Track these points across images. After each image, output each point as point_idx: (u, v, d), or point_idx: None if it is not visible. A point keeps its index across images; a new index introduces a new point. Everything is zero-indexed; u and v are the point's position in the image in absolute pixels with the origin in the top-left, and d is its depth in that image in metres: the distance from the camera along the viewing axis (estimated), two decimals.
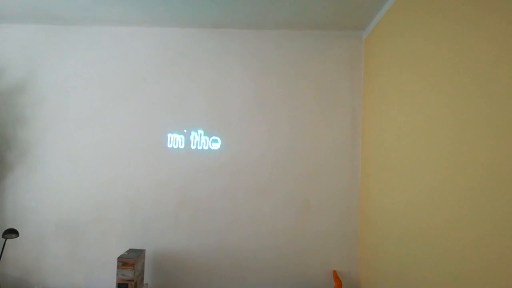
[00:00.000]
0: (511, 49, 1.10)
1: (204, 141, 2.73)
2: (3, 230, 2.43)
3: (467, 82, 1.32)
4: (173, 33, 2.77)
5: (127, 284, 2.31)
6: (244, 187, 2.72)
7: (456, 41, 1.42)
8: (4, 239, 2.41)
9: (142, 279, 2.53)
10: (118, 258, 2.34)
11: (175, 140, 2.74)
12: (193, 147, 2.73)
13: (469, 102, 1.31)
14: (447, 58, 1.48)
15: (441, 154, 1.51)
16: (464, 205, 1.31)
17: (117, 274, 2.32)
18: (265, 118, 2.74)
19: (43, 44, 2.79)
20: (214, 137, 2.74)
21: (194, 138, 2.74)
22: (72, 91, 2.77)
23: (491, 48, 1.20)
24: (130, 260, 2.33)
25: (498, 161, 1.14)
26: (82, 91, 2.77)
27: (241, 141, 2.73)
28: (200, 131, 2.74)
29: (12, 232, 2.40)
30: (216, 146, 2.73)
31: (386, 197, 2.16)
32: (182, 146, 2.74)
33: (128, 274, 2.32)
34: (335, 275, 2.58)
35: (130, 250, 2.52)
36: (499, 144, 1.14)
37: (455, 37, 1.43)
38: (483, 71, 1.23)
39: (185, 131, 2.74)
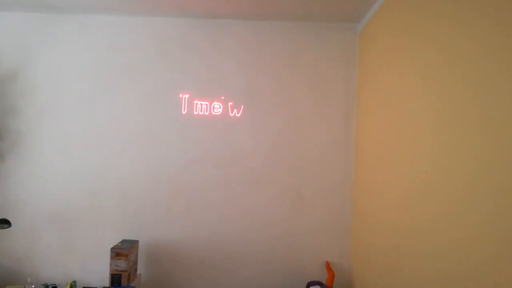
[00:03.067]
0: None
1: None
2: None
3: (462, 76, 1.33)
4: (166, 23, 2.75)
5: (121, 274, 2.31)
6: (237, 180, 2.73)
7: (451, 35, 1.43)
8: None
9: (136, 269, 2.54)
10: (112, 248, 2.34)
11: (168, 131, 2.73)
12: (185, 138, 2.72)
13: (463, 96, 1.32)
14: (442, 52, 1.49)
15: (434, 148, 1.52)
16: (456, 200, 1.32)
17: (110, 265, 2.32)
18: (258, 110, 2.74)
19: (35, 32, 2.75)
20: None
21: (187, 128, 2.73)
22: (64, 80, 2.74)
23: (484, 44, 1.21)
24: (124, 251, 2.33)
25: (490, 156, 1.15)
26: (74, 80, 2.74)
27: (234, 134, 2.73)
28: (192, 123, 2.73)
29: (4, 223, 2.37)
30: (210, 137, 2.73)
31: (379, 190, 2.18)
32: (175, 137, 2.73)
33: (122, 264, 2.32)
34: (328, 266, 2.61)
35: (123, 241, 2.52)
36: (491, 138, 1.15)
37: (450, 31, 1.44)
38: (477, 67, 1.24)
39: (177, 122, 2.73)
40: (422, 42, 1.69)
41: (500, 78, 1.11)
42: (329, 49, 2.73)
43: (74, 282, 2.58)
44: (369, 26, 2.51)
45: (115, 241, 2.63)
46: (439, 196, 1.45)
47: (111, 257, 2.32)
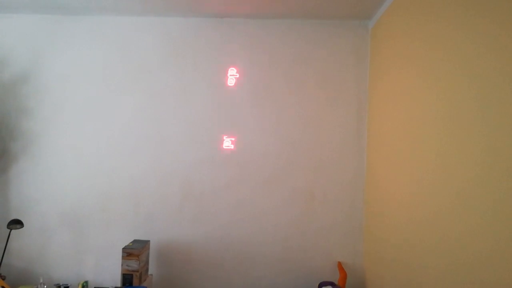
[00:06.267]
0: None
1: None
2: (8, 221, 2.43)
3: (476, 74, 1.30)
4: (176, 23, 2.74)
5: (132, 274, 2.31)
6: (249, 180, 2.71)
7: (465, 31, 1.40)
8: (9, 230, 2.41)
9: (147, 269, 2.53)
10: (123, 248, 2.34)
11: (179, 131, 2.72)
12: (197, 138, 2.72)
13: (475, 96, 1.29)
14: (456, 49, 1.46)
15: (447, 146, 1.49)
16: (469, 197, 1.31)
17: (122, 265, 2.32)
18: (270, 110, 2.72)
19: (46, 34, 2.76)
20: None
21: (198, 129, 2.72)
22: (76, 80, 2.75)
23: (497, 45, 1.18)
24: (135, 251, 2.33)
25: (499, 154, 1.15)
26: (86, 81, 2.75)
27: (245, 133, 2.71)
28: (204, 123, 2.72)
29: (16, 223, 2.40)
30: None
31: (391, 189, 2.14)
32: (186, 138, 2.72)
33: (133, 264, 2.31)
34: (340, 266, 2.58)
35: (135, 241, 2.52)
36: (501, 138, 1.14)
37: (464, 28, 1.41)
38: (490, 64, 1.22)
39: (189, 122, 2.72)
40: (434, 39, 1.65)
41: (511, 78, 1.10)
42: (341, 47, 2.70)
43: (86, 282, 2.59)
44: (381, 23, 2.48)
45: (127, 241, 2.63)
46: (452, 192, 1.42)
47: (123, 257, 2.32)
